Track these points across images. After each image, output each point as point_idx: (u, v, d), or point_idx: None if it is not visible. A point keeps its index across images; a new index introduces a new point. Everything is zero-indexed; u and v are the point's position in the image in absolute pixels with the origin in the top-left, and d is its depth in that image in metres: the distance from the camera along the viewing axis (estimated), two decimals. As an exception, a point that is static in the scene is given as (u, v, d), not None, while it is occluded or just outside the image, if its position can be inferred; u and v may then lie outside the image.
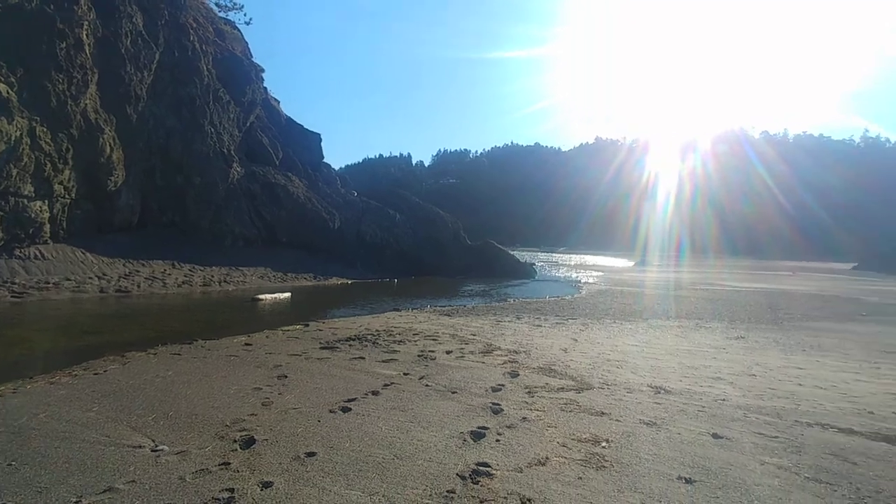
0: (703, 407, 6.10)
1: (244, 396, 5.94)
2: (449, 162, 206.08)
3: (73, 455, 4.19)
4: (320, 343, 9.57)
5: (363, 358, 8.27)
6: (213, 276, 23.04)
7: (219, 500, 3.49)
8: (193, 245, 26.05)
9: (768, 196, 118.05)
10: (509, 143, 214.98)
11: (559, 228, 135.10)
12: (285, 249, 29.73)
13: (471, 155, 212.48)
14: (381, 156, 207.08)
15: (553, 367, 8.05)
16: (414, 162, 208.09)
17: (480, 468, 4.09)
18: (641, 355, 9.64)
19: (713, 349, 10.75)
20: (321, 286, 25.63)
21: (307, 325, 12.06)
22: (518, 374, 7.45)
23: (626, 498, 3.70)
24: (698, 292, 27.00)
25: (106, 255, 21.73)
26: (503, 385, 6.80)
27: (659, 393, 6.71)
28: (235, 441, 4.53)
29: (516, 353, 9.21)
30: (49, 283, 17.55)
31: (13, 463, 4.01)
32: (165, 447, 4.37)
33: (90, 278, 19.21)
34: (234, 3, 36.88)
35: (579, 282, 34.73)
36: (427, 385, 6.69)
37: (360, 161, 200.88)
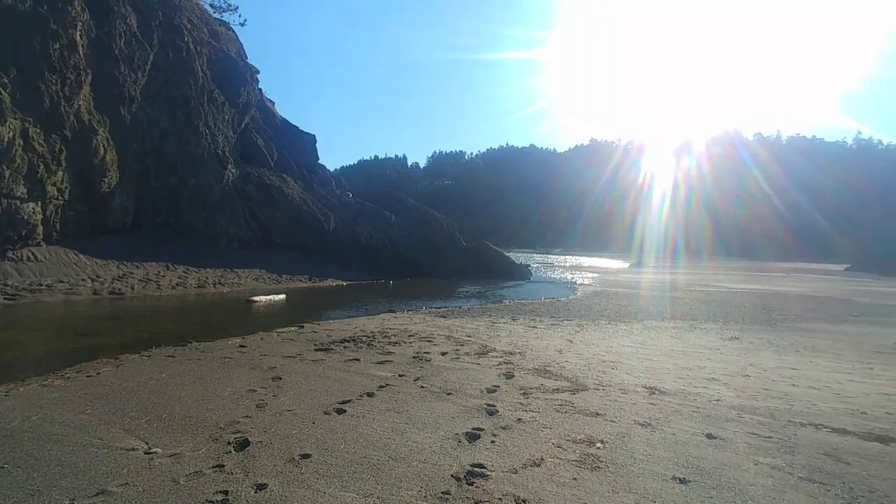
0: (698, 407, 6.12)
1: (238, 398, 5.92)
2: (444, 163, 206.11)
3: (65, 458, 4.16)
4: (315, 345, 9.54)
5: (358, 359, 8.25)
6: (207, 278, 22.95)
7: (213, 502, 3.47)
8: (188, 246, 25.94)
9: (762, 197, 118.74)
10: (505, 145, 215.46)
11: (555, 230, 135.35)
12: (280, 251, 29.66)
13: (466, 156, 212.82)
14: (376, 157, 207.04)
15: (548, 369, 8.05)
16: (409, 163, 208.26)
17: (475, 469, 4.08)
18: (636, 356, 9.66)
19: (708, 350, 10.79)
20: (316, 288, 25.57)
21: (302, 327, 12.02)
22: (513, 376, 7.45)
23: (620, 498, 3.70)
24: (693, 293, 27.11)
25: (99, 257, 21.62)
26: (498, 386, 6.80)
27: (654, 394, 6.73)
28: (229, 443, 4.51)
29: (511, 354, 9.22)
30: (42, 286, 17.44)
31: (5, 466, 3.97)
32: (159, 450, 4.34)
33: (83, 280, 19.10)
34: (229, 5, 36.77)
35: (574, 283, 34.81)
36: (422, 386, 6.68)
37: (356, 162, 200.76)
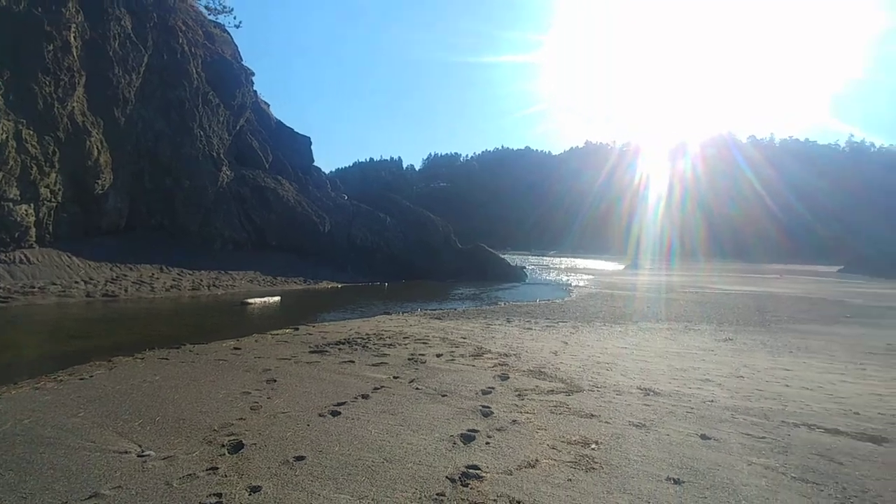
0: (692, 408, 6.14)
1: (233, 401, 5.90)
2: (440, 165, 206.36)
3: (57, 461, 4.13)
4: (310, 347, 9.52)
5: (353, 362, 8.24)
6: (201, 280, 22.86)
7: (206, 505, 3.46)
8: (182, 248, 25.84)
9: (756, 199, 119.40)
10: (500, 147, 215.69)
11: (550, 232, 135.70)
12: (275, 253, 29.59)
13: (461, 159, 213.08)
14: (371, 159, 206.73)
15: (543, 370, 8.06)
16: (405, 165, 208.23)
17: (470, 471, 4.08)
18: (631, 358, 9.69)
19: (702, 351, 10.82)
20: (311, 290, 25.52)
21: (297, 329, 11.99)
22: (508, 377, 7.46)
23: (615, 499, 3.71)
24: (688, 295, 27.20)
25: (93, 259, 21.50)
26: (493, 388, 6.80)
27: (648, 395, 6.75)
28: (223, 446, 4.49)
29: (506, 356, 9.22)
30: (34, 288, 17.32)
31: (-4, 469, 3.94)
32: (152, 452, 4.32)
33: (76, 282, 18.99)
34: (224, 7, 36.75)
35: (570, 285, 34.87)
36: (417, 388, 6.67)
37: (351, 164, 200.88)
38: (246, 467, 4.06)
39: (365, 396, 6.18)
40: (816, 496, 3.87)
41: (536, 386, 7.03)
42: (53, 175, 20.67)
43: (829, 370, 9.25)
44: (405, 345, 10.02)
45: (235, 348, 9.28)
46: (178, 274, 23.11)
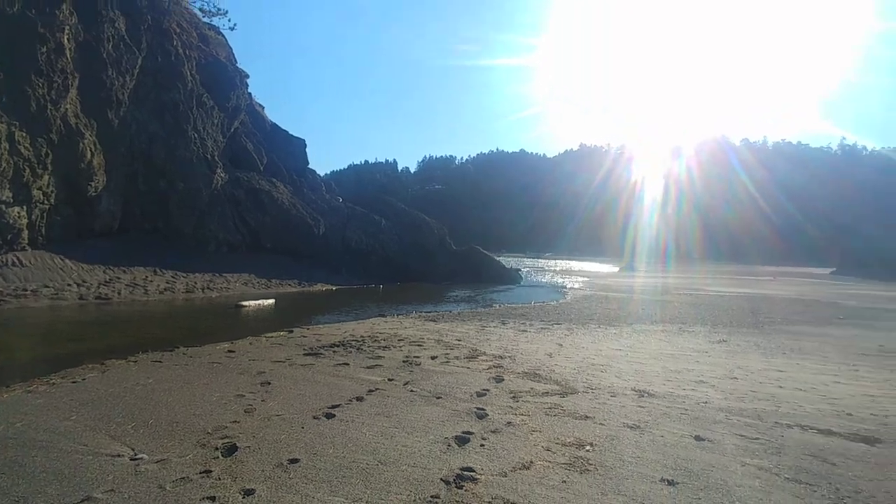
0: (686, 410, 6.16)
1: (227, 403, 5.87)
2: (435, 168, 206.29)
3: (50, 464, 4.10)
4: (304, 349, 9.49)
5: (348, 364, 8.22)
6: (196, 283, 22.76)
7: (199, 508, 3.44)
8: (176, 251, 25.71)
9: (750, 202, 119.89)
10: (495, 150, 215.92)
11: (545, 234, 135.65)
12: (269, 255, 29.49)
13: (456, 161, 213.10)
14: (366, 162, 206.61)
15: (538, 372, 8.07)
16: (400, 168, 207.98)
17: (465, 473, 4.08)
18: (626, 359, 9.72)
19: (696, 353, 10.87)
20: (306, 292, 25.45)
21: (291, 332, 11.96)
22: (503, 379, 7.46)
23: (609, 501, 3.71)
24: (682, 297, 27.32)
25: (86, 262, 21.36)
26: (488, 390, 6.80)
27: (642, 396, 6.77)
28: (217, 448, 4.47)
29: (501, 358, 9.23)
30: (27, 291, 17.20)
31: (-13, 473, 3.91)
32: (145, 456, 4.30)
33: (69, 285, 18.87)
34: (219, 9, 36.55)
35: (565, 287, 34.95)
36: (412, 390, 6.67)
37: (346, 167, 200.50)
38: (240, 470, 4.04)
39: (359, 399, 6.17)
40: (810, 497, 3.89)
41: (531, 388, 7.04)
42: (46, 177, 20.54)
43: (822, 371, 9.31)
44: (400, 347, 10.01)
45: (229, 351, 9.25)
46: (171, 276, 23.00)
